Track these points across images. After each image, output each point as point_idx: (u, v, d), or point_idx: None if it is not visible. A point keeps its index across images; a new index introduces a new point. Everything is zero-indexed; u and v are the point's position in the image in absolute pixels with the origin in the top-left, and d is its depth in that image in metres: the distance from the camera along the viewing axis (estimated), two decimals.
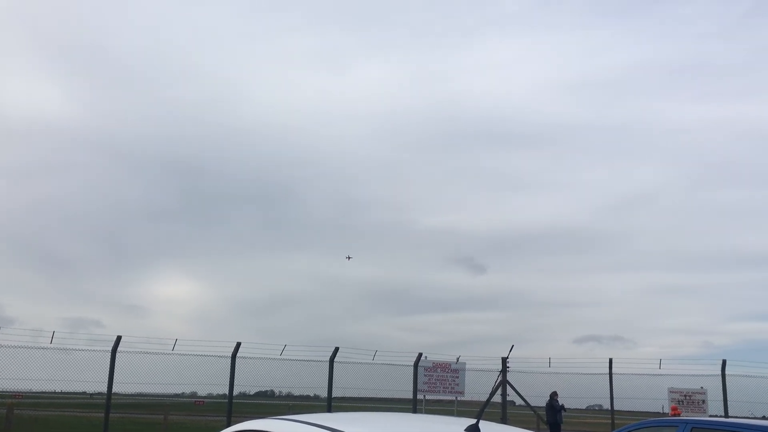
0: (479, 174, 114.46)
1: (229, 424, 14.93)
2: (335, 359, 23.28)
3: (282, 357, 23.57)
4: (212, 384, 24.58)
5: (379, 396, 26.97)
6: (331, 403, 23.38)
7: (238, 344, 22.29)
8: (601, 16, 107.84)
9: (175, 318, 71.70)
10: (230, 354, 22.22)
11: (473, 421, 3.03)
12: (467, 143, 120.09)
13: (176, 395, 37.80)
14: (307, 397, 32.08)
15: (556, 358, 25.72)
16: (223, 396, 23.68)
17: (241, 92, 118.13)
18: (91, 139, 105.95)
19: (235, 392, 23.04)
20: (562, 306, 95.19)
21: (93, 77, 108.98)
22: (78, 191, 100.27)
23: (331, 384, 23.25)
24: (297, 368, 23.91)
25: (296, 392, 29.07)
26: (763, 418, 21.53)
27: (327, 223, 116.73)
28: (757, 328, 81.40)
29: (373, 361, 24.53)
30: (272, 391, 33.94)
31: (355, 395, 26.58)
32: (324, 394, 23.74)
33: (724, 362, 23.53)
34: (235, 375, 22.29)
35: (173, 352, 22.35)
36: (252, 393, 31.11)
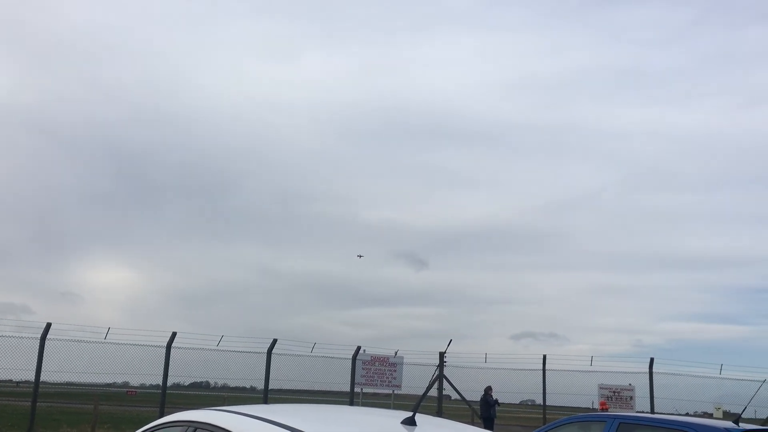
0: (423, 169, 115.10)
1: (162, 415, 14.62)
2: (273, 351, 23.09)
3: (218, 348, 23.29)
4: (146, 374, 24.05)
5: (316, 389, 26.92)
6: (267, 395, 23.19)
7: (174, 334, 21.87)
8: (548, 18, 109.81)
9: (108, 306, 69.80)
10: (165, 344, 21.79)
11: (410, 414, 3.03)
12: (412, 138, 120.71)
13: (108, 385, 36.89)
14: (243, 389, 31.77)
15: (493, 354, 26.15)
16: (157, 387, 23.21)
17: (184, 77, 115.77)
18: (20, 117, 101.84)
19: (170, 383, 22.60)
20: (500, 303, 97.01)
21: (25, 52, 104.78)
22: (5, 171, 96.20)
23: (268, 376, 23.05)
24: (234, 359, 23.64)
25: (232, 384, 28.72)
26: (687, 414, 22.31)
27: (268, 214, 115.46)
28: (685, 329, 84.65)
29: (312, 354, 24.47)
30: (208, 383, 33.43)
31: (293, 387, 26.45)
32: (261, 386, 23.53)
33: (651, 360, 24.32)
34: (170, 365, 21.87)
35: (106, 340, 21.78)
36: (187, 384, 30.59)
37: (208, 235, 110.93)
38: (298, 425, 2.82)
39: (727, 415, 22.74)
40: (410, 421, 2.97)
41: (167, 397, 22.14)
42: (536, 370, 25.23)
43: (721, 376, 24.45)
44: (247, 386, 28.66)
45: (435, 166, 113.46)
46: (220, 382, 30.65)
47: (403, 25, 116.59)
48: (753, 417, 23.40)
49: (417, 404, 3.20)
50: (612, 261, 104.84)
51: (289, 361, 24.01)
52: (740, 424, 6.62)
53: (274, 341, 23.18)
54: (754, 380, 20.09)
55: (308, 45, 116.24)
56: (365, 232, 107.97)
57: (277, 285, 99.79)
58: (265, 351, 23.04)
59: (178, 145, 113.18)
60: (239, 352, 23.56)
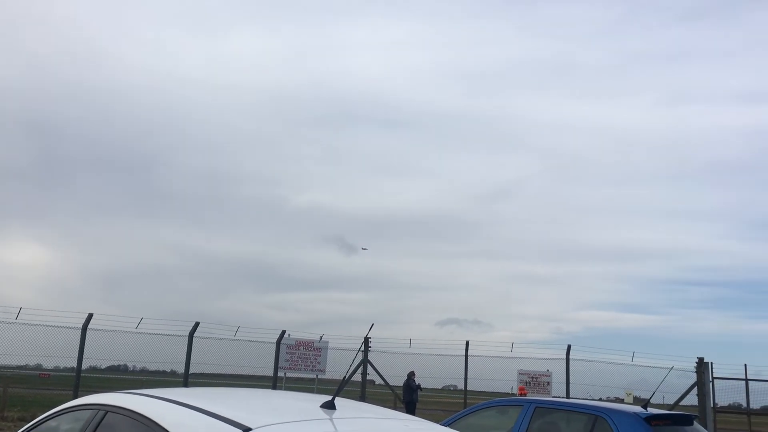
0: (355, 154, 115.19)
1: (75, 398, 14.15)
2: (195, 334, 22.70)
3: (138, 330, 22.69)
4: (60, 356, 23.24)
5: (239, 373, 26.61)
6: (187, 379, 22.78)
7: (90, 315, 21.20)
8: (483, 9, 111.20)
9: (20, 285, 66.91)
10: (81, 325, 21.09)
11: (330, 398, 3.01)
12: (344, 123, 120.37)
13: (19, 367, 35.43)
14: (163, 373, 31.09)
15: (417, 340, 26.49)
16: (72, 369, 22.47)
17: (107, 50, 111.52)
18: None
19: (85, 366, 21.96)
20: (428, 289, 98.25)
21: None
22: None
23: (189, 359, 22.65)
24: (153, 342, 23.08)
25: (152, 367, 28.08)
26: (600, 399, 23.14)
27: (194, 194, 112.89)
28: (601, 317, 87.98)
29: (235, 338, 24.19)
30: (126, 366, 32.55)
31: (215, 372, 26.09)
32: (182, 369, 23.11)
33: (568, 347, 25.10)
34: (86, 348, 21.23)
35: (17, 321, 20.97)
36: (103, 367, 29.70)
37: (130, 214, 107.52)
38: (213, 408, 2.75)
39: (637, 400, 23.70)
40: (330, 405, 2.95)
41: (82, 380, 21.48)
42: (459, 356, 25.68)
43: (632, 363, 25.47)
44: (168, 370, 28.10)
45: (367, 152, 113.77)
46: (139, 366, 29.93)
47: (337, 8, 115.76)
48: (661, 402, 24.47)
49: (338, 389, 3.18)
50: (536, 250, 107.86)
51: (211, 345, 23.69)
52: (648, 408, 6.90)
53: (196, 324, 22.78)
54: (662, 367, 21.00)
55: (238, 22, 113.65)
56: (295, 215, 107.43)
57: (202, 267, 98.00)
58: (187, 334, 22.64)
59: (101, 119, 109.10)
60: (159, 335, 23.03)
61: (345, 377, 3.77)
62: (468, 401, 25.00)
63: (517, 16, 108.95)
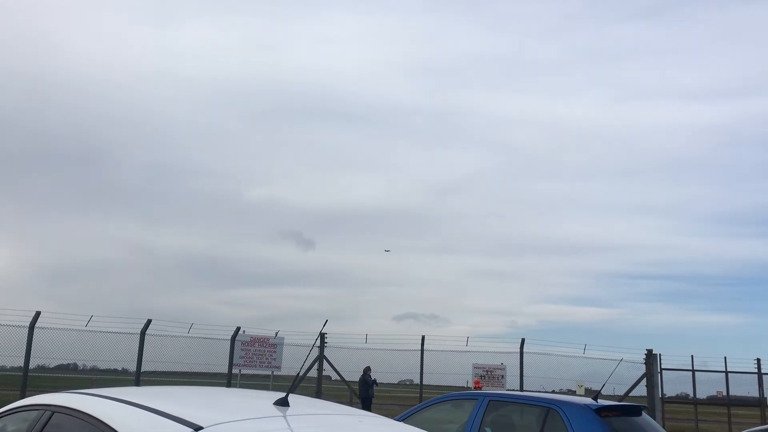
0: (310, 149, 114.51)
1: (22, 398, 13.78)
2: (147, 332, 22.33)
3: (87, 329, 22.20)
4: (6, 356, 22.58)
5: (193, 370, 26.30)
6: (139, 378, 22.40)
7: (38, 313, 20.67)
8: (437, 3, 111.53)
9: None
10: (28, 324, 20.56)
11: (283, 394, 3.00)
12: (298, 116, 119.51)
13: None
14: (114, 371, 30.51)
15: (374, 335, 26.50)
16: (19, 369, 21.88)
17: (56, 40, 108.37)
18: None
19: (33, 365, 21.47)
20: (385, 284, 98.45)
21: None
22: None
23: (141, 357, 22.28)
24: (104, 341, 22.64)
25: (103, 366, 27.53)
26: (553, 392, 23.55)
27: (145, 188, 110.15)
28: (555, 311, 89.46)
29: (189, 335, 23.86)
30: (75, 365, 31.82)
31: (168, 369, 25.72)
32: (134, 368, 22.74)
33: (522, 341, 25.47)
34: (33, 346, 20.71)
35: None
36: (52, 366, 28.98)
37: (78, 209, 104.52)
38: (163, 407, 2.71)
39: (588, 392, 24.20)
40: (283, 402, 2.94)
41: (30, 380, 20.96)
42: (415, 350, 25.82)
43: (584, 355, 26.00)
44: (119, 368, 27.60)
45: (323, 146, 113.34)
46: (89, 364, 29.30)
47: (291, 0, 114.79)
48: (612, 393, 25.04)
49: (292, 386, 3.17)
50: (491, 245, 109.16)
51: (164, 343, 23.33)
52: (598, 400, 7.05)
53: (149, 321, 22.42)
54: (613, 359, 21.47)
55: (190, 13, 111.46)
56: (249, 210, 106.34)
57: (154, 263, 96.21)
58: (139, 332, 22.26)
59: (45, 110, 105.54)
60: (110, 332, 22.61)
61: (299, 374, 3.76)
62: (424, 396, 25.16)
63: (471, 11, 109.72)
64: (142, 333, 22.28)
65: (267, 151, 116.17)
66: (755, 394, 26.44)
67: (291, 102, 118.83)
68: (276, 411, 2.85)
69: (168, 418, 2.59)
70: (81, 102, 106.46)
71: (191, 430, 2.46)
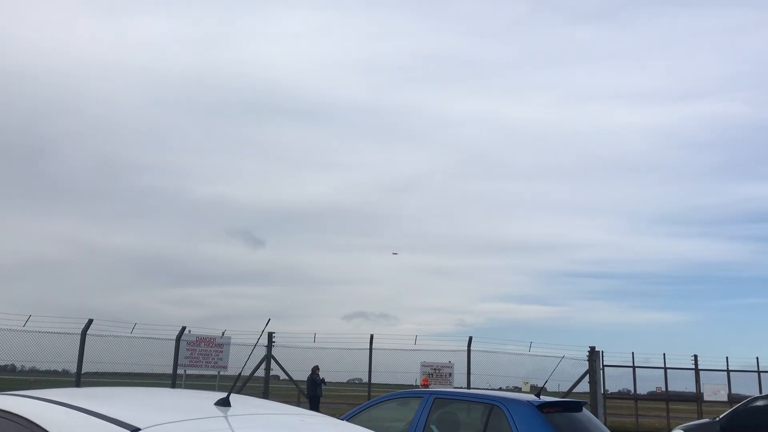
0: (259, 146, 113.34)
1: None
2: (88, 332, 21.80)
3: (26, 329, 21.55)
4: None
5: (137, 371, 25.77)
6: (80, 379, 21.85)
7: None
8: (387, 1, 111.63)
9: None
10: None
11: (225, 395, 2.97)
12: (248, 113, 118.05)
13: None
14: (54, 372, 29.69)
15: (322, 334, 26.43)
16: None
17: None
18: None
19: None
20: (335, 283, 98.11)
21: None
22: None
23: (82, 358, 21.74)
24: (43, 341, 22.00)
25: (42, 367, 26.74)
26: (500, 389, 23.92)
27: (89, 184, 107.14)
28: (503, 309, 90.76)
29: (132, 335, 23.38)
30: (13, 366, 30.81)
31: (111, 370, 25.15)
32: (74, 369, 22.17)
33: (470, 339, 25.79)
34: None
35: None
36: None
37: (17, 204, 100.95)
38: (99, 408, 2.65)
39: (534, 389, 24.65)
40: (224, 402, 2.91)
41: None
42: (364, 349, 25.87)
43: (530, 353, 26.49)
44: (59, 369, 26.85)
45: (272, 143, 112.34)
46: (28, 365, 28.43)
47: None
48: (556, 390, 25.57)
49: (233, 385, 3.13)
50: (441, 244, 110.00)
51: (106, 343, 22.82)
52: (541, 396, 7.19)
53: (90, 321, 21.89)
54: (557, 356, 21.96)
55: (139, 6, 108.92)
56: (198, 207, 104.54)
57: (96, 261, 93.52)
58: (79, 332, 21.71)
59: None
60: (50, 333, 21.98)
61: (240, 373, 3.71)
62: (372, 394, 25.22)
63: (421, 9, 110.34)
64: (83, 333, 21.75)
65: (216, 147, 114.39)
66: (692, 389, 27.34)
67: (240, 98, 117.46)
68: (217, 411, 2.82)
69: (104, 419, 2.53)
70: (23, 94, 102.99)
71: (128, 431, 2.41)
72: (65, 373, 26.84)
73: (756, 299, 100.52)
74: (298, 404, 24.21)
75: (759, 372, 26.82)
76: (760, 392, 24.39)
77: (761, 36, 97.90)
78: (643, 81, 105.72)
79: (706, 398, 26.73)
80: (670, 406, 26.87)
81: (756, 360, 27.22)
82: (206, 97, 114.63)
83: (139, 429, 2.41)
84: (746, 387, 27.07)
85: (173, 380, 23.49)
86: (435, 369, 26.11)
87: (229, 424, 2.68)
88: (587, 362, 24.99)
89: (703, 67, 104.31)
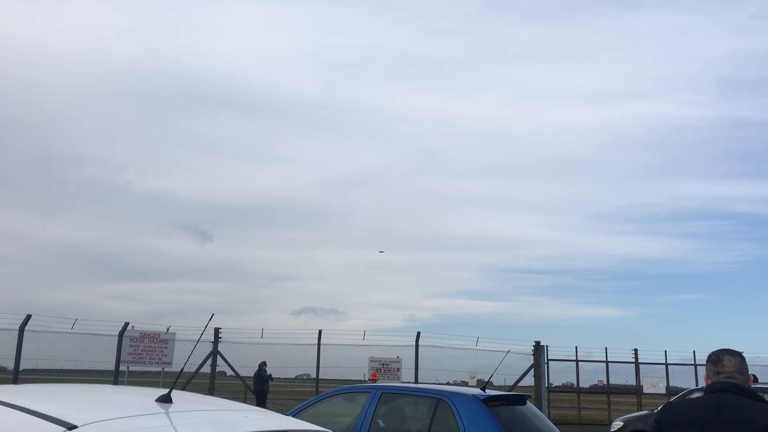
0: (207, 139, 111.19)
1: None
2: (26, 328, 21.17)
3: None
4: None
5: (78, 368, 25.17)
6: (18, 376, 21.22)
7: None
8: None
9: None
10: None
11: (166, 391, 2.92)
12: (195, 105, 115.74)
13: None
14: None
15: (270, 329, 26.25)
16: None
17: None
18: None
19: None
20: (284, 278, 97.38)
21: None
22: None
23: (20, 354, 21.14)
24: None
25: None
26: (448, 383, 24.15)
27: (24, 176, 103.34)
28: (451, 304, 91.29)
29: (73, 331, 22.79)
30: None
31: (51, 367, 24.49)
32: (12, 365, 21.52)
33: (418, 334, 25.98)
34: None
35: None
36: None
37: None
38: (34, 405, 2.58)
39: (480, 383, 24.97)
40: (165, 399, 2.86)
41: None
42: (312, 345, 25.80)
43: (477, 348, 26.83)
44: None
45: (220, 137, 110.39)
46: None
47: None
48: (503, 384, 25.98)
49: (175, 381, 3.08)
50: (390, 240, 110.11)
51: (46, 339, 22.22)
52: (486, 390, 7.30)
53: (28, 317, 21.29)
54: (503, 351, 22.29)
55: None
56: (142, 201, 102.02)
57: (35, 255, 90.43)
58: (17, 327, 21.09)
59: None
60: None
61: (182, 369, 3.66)
62: (320, 390, 25.18)
63: (375, 4, 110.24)
64: (21, 329, 21.17)
65: (162, 140, 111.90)
66: (632, 382, 28.15)
67: (188, 90, 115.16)
68: (158, 408, 2.77)
69: (40, 417, 2.46)
70: None
71: (64, 429, 2.34)
72: (3, 370, 26.02)
73: (692, 295, 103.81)
74: (244, 400, 23.99)
75: (696, 365, 27.75)
76: (696, 385, 25.27)
77: (698, 39, 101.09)
78: (586, 81, 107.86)
79: (645, 391, 27.55)
80: (611, 399, 27.60)
81: (693, 353, 28.19)
82: (151, 89, 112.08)
83: (76, 426, 2.35)
84: (684, 380, 28.03)
85: (115, 377, 23.01)
86: (383, 364, 26.22)
87: (170, 421, 2.63)
88: (532, 356, 25.46)
89: (643, 69, 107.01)
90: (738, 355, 3.58)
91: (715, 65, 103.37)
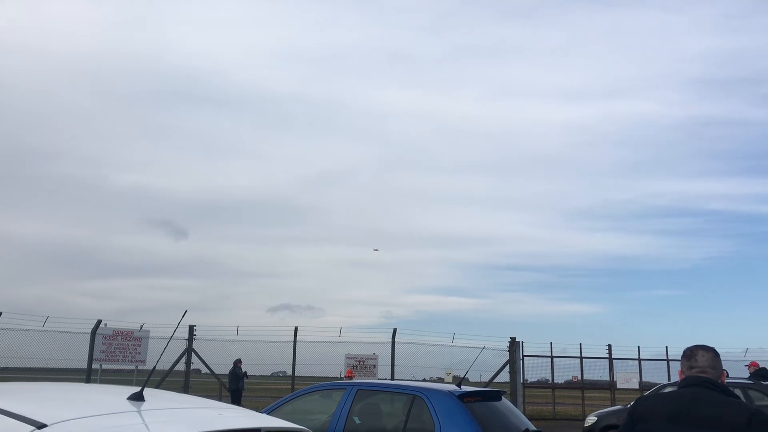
0: (183, 134, 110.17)
1: None
2: None
3: None
4: None
5: (50, 366, 24.81)
6: None
7: None
8: None
9: None
10: None
11: (138, 389, 2.90)
12: (170, 101, 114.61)
13: None
14: None
15: (245, 327, 26.09)
16: None
17: None
18: None
19: None
20: (260, 275, 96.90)
21: None
22: None
23: None
24: None
25: None
26: (424, 380, 24.22)
27: None
28: (428, 301, 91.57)
29: (44, 329, 22.46)
30: None
31: (21, 365, 24.12)
32: None
33: (394, 331, 26.00)
34: None
35: None
36: None
37: None
38: (4, 404, 2.54)
39: (456, 380, 25.10)
40: (138, 397, 2.83)
41: None
42: (288, 342, 25.70)
43: (453, 344, 26.92)
44: None
45: (197, 132, 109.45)
46: None
47: None
48: (479, 380, 26.12)
49: (147, 379, 3.05)
50: (367, 236, 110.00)
51: (16, 337, 21.85)
52: (462, 386, 7.33)
53: None
54: (478, 347, 22.40)
55: None
56: (116, 197, 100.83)
57: (7, 251, 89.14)
58: None
59: None
60: None
61: (155, 367, 3.62)
62: (296, 387, 25.10)
63: (354, 1, 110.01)
64: None
65: (137, 135, 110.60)
66: (606, 377, 28.46)
67: (164, 85, 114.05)
68: (129, 406, 2.74)
69: (9, 416, 2.43)
70: None
71: (33, 428, 2.31)
72: None
73: (665, 291, 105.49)
74: (219, 398, 23.84)
75: (668, 360, 28.13)
76: (669, 380, 25.63)
77: (675, 38, 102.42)
78: (562, 79, 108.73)
79: (618, 386, 27.88)
80: (585, 394, 27.89)
81: (665, 349, 28.58)
82: (125, 84, 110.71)
83: (46, 425, 2.32)
84: (656, 375, 28.40)
85: (88, 375, 22.73)
86: (359, 361, 26.22)
87: (142, 419, 2.61)
88: (508, 352, 25.63)
89: (620, 67, 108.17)
90: (711, 351, 3.63)
91: (689, 64, 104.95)
